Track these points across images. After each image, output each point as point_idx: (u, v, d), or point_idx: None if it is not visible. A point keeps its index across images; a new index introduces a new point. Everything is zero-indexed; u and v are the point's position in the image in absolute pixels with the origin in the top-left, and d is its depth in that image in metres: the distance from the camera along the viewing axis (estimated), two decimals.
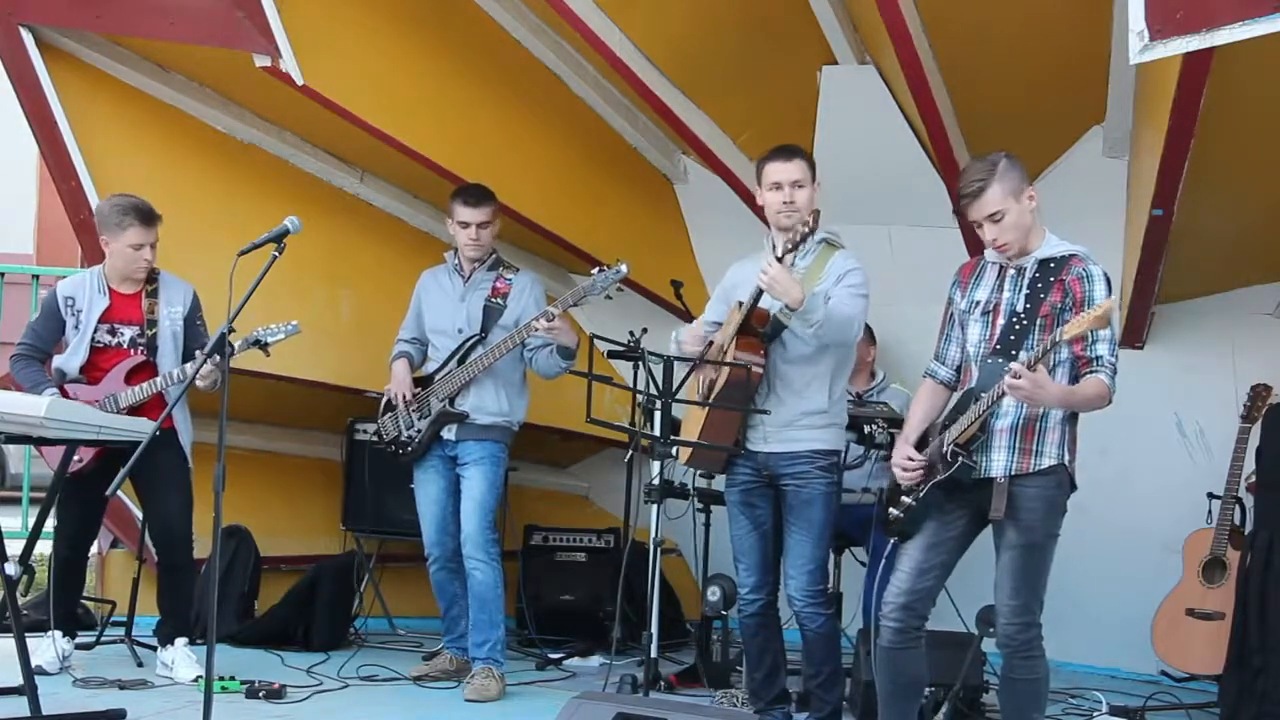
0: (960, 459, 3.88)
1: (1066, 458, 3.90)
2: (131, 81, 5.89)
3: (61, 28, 5.61)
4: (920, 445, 4.04)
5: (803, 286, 4.32)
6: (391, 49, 5.85)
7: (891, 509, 4.06)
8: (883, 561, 4.40)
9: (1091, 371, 3.81)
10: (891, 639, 3.99)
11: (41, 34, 5.58)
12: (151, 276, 5.38)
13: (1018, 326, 3.89)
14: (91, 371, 5.27)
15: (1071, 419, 3.93)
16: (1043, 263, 3.93)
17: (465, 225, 5.46)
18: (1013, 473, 3.87)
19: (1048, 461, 3.87)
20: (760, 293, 4.38)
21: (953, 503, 3.96)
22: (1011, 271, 3.98)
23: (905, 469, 4.01)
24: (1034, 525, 3.86)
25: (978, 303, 4.03)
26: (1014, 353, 3.82)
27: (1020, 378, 3.65)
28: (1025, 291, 3.92)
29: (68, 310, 5.31)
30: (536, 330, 5.18)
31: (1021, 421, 3.88)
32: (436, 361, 5.51)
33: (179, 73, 5.97)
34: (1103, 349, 3.81)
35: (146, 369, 5.29)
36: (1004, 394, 3.76)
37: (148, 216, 5.28)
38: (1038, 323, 3.86)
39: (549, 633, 6.25)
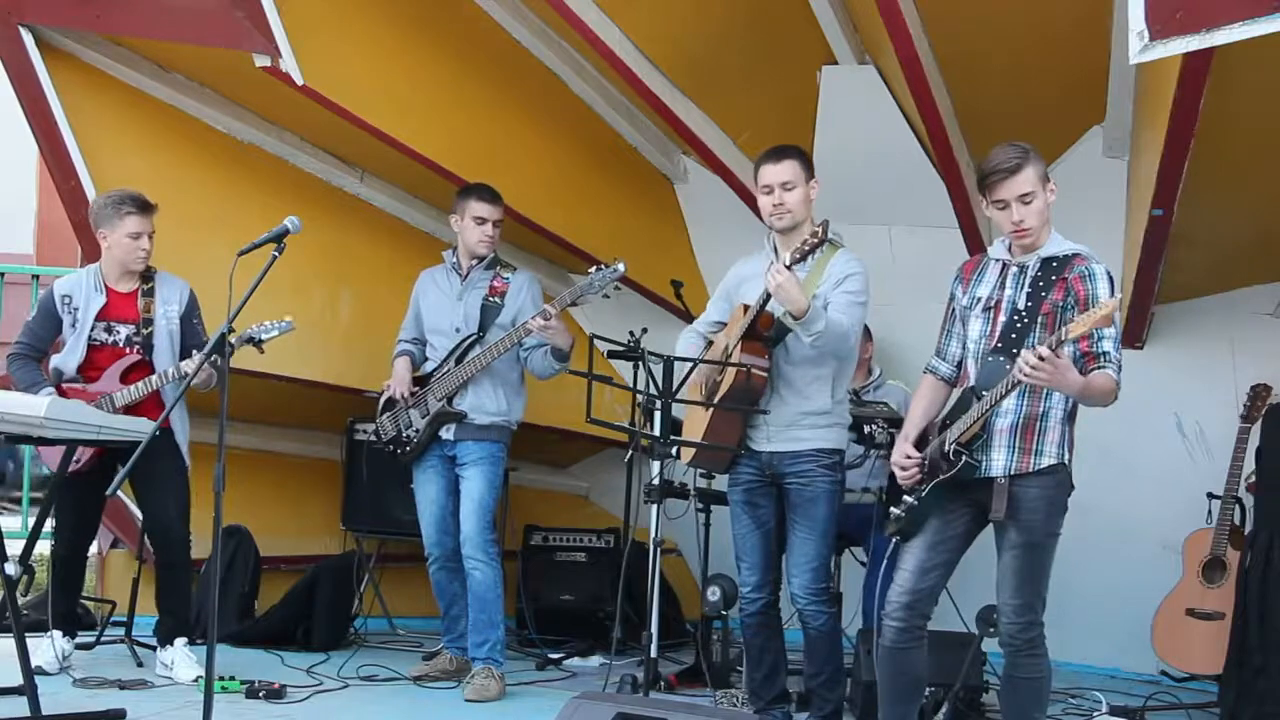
0: (964, 458, 3.87)
1: (1066, 457, 3.89)
2: (131, 81, 5.89)
3: (61, 28, 5.61)
4: (919, 444, 4.04)
5: (805, 290, 4.32)
6: (391, 49, 5.85)
7: (893, 509, 4.05)
8: (884, 561, 4.40)
9: (1099, 367, 3.79)
10: (894, 638, 3.99)
11: (41, 34, 5.58)
12: (148, 275, 5.37)
13: (1019, 324, 3.88)
14: (89, 370, 5.26)
15: (1071, 418, 3.93)
16: (1045, 261, 3.92)
17: (482, 221, 5.45)
18: (1013, 472, 3.86)
19: (1048, 461, 3.86)
20: (768, 297, 4.38)
21: (955, 501, 3.96)
22: (1014, 269, 3.97)
23: (904, 467, 4.01)
24: (1035, 525, 3.85)
25: (979, 299, 4.02)
26: (1014, 351, 3.80)
27: (1044, 359, 3.58)
28: (1027, 289, 3.91)
29: (65, 308, 5.31)
30: (532, 330, 5.18)
31: (1022, 421, 3.87)
32: (434, 361, 5.51)
33: (179, 73, 5.97)
34: (1108, 345, 3.80)
35: (142, 368, 5.28)
36: (1014, 386, 3.72)
37: (144, 205, 5.28)
38: (1039, 320, 3.85)
39: (549, 633, 6.25)
